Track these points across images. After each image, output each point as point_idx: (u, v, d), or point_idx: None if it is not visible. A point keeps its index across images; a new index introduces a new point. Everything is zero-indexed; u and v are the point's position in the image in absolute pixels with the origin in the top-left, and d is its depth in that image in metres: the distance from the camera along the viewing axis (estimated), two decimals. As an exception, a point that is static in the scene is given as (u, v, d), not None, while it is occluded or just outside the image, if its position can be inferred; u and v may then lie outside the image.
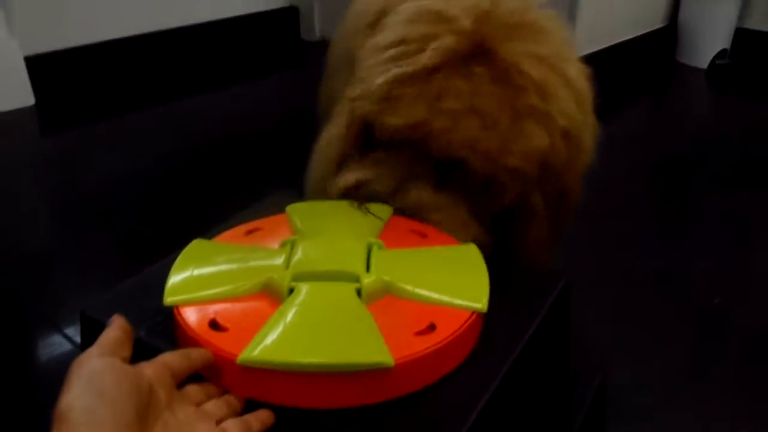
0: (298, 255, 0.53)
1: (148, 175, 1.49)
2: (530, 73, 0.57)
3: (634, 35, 2.27)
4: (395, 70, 0.57)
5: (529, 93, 0.57)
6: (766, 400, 0.89)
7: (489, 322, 0.53)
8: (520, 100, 0.57)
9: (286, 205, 0.63)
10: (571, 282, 0.62)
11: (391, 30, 0.61)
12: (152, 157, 1.57)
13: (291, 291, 0.50)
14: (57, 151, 1.66)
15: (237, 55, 2.22)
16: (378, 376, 0.45)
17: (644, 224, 1.36)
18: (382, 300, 0.51)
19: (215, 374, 0.46)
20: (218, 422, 0.43)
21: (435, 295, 0.51)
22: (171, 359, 0.44)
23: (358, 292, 0.50)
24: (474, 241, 0.59)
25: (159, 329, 0.52)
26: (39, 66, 1.82)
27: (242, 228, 0.61)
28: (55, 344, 0.99)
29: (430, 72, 0.56)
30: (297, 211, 0.62)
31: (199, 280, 0.53)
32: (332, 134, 0.66)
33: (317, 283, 0.50)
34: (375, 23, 0.65)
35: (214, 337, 0.47)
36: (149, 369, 0.42)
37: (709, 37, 2.30)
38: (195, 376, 0.46)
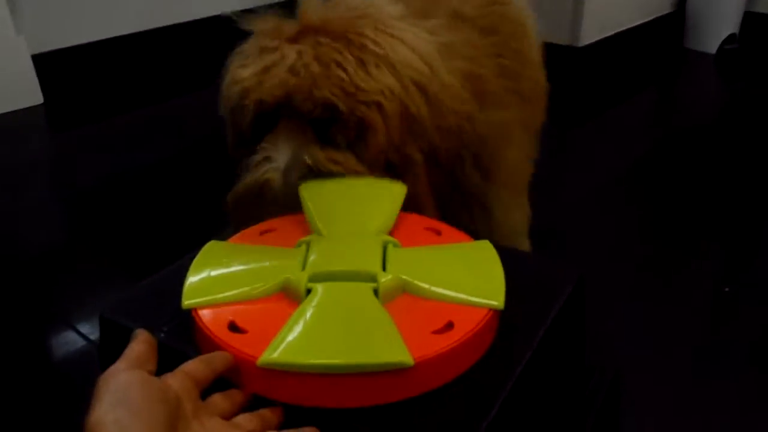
0: (314, 255, 0.53)
1: (159, 171, 1.50)
2: (365, 32, 0.66)
3: (642, 21, 2.26)
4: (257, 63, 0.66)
5: (368, 46, 0.65)
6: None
7: (504, 318, 0.53)
8: (362, 51, 0.65)
9: None
10: (584, 276, 0.62)
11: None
12: (163, 154, 1.58)
13: (308, 291, 0.50)
14: (67, 149, 1.66)
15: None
16: (397, 376, 0.45)
17: (652, 212, 1.35)
18: (399, 299, 0.51)
19: (236, 376, 0.47)
20: None
21: (452, 293, 0.51)
22: (193, 368, 0.44)
23: (375, 292, 0.50)
24: None
25: (178, 332, 0.52)
26: (47, 64, 1.82)
27: (257, 228, 0.61)
28: (69, 341, 1.00)
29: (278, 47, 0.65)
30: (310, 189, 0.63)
31: (216, 281, 0.53)
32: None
33: (334, 284, 0.51)
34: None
35: (234, 340, 0.47)
36: (174, 380, 0.42)
37: (718, 22, 2.28)
38: (218, 382, 0.46)
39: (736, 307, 1.06)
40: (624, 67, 2.15)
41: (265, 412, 0.46)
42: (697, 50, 2.33)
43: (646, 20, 2.27)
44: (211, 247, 0.58)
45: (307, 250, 0.55)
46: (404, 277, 0.52)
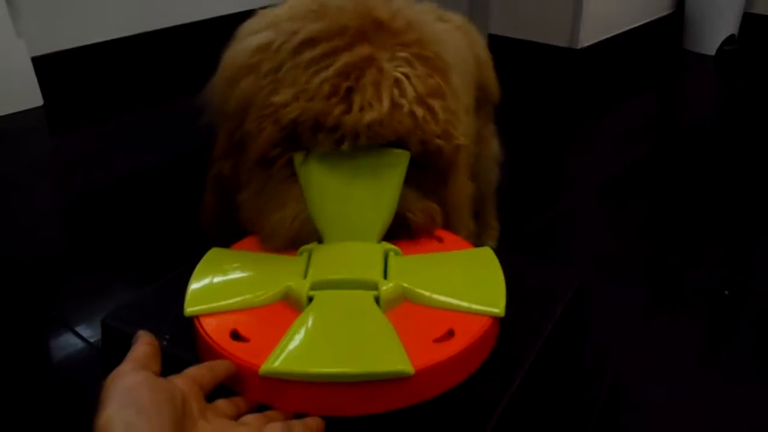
0: (316, 263, 0.54)
1: (160, 174, 1.50)
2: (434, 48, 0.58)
3: (641, 23, 2.26)
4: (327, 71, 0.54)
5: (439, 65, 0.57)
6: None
7: (505, 325, 0.53)
8: (442, 75, 0.57)
9: None
10: (584, 279, 0.62)
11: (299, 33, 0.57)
12: (164, 156, 1.58)
13: (310, 300, 0.50)
14: (67, 151, 1.66)
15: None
16: (398, 384, 0.45)
17: (652, 215, 1.36)
18: (401, 307, 0.51)
19: (237, 384, 0.47)
20: None
21: (453, 301, 0.51)
22: (196, 372, 0.45)
23: (377, 300, 0.50)
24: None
25: (180, 339, 0.52)
26: (46, 66, 1.82)
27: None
28: (69, 344, 1.00)
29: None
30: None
31: (219, 289, 0.53)
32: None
33: (336, 292, 0.51)
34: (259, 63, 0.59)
35: (236, 348, 0.47)
36: (180, 381, 0.43)
37: (717, 23, 2.28)
38: (220, 390, 0.46)
39: (737, 310, 1.06)
40: (623, 69, 2.16)
41: (272, 413, 0.46)
42: (697, 51, 2.34)
43: (646, 22, 2.28)
44: (214, 253, 0.58)
45: (309, 258, 0.55)
46: (405, 285, 0.52)
